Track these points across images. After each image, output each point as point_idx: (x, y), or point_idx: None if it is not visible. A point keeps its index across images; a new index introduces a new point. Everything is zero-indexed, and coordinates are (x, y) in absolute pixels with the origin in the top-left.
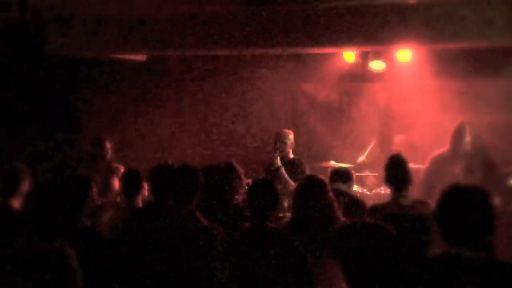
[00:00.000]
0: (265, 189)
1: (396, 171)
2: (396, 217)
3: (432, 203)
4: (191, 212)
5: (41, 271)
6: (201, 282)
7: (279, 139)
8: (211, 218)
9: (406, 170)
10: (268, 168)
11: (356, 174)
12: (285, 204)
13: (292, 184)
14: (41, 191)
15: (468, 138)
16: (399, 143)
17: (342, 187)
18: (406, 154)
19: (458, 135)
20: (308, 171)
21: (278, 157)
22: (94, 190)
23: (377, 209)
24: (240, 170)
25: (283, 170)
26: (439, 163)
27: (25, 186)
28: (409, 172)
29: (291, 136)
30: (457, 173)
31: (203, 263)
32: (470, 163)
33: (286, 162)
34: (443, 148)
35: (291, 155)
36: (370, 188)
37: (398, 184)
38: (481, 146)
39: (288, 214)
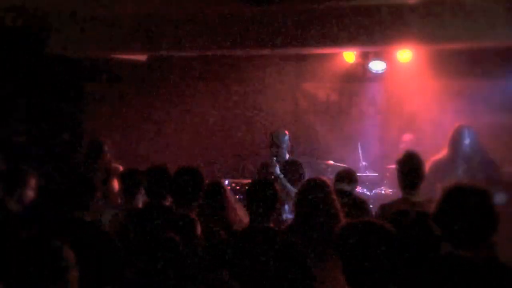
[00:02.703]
0: (264, 189)
1: (410, 167)
2: (404, 213)
3: (432, 207)
4: (184, 213)
5: (36, 271)
6: (199, 282)
7: (274, 144)
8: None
9: (420, 167)
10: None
11: (357, 174)
12: (286, 206)
13: (293, 190)
14: (44, 191)
15: (466, 142)
16: (406, 141)
17: (347, 188)
18: None
19: (456, 139)
20: (305, 169)
21: (277, 166)
22: (98, 191)
23: (386, 206)
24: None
25: (283, 178)
26: (439, 168)
27: (30, 191)
28: (423, 170)
29: (287, 138)
30: (457, 177)
31: (202, 264)
32: (470, 167)
33: (283, 163)
34: (442, 152)
35: (287, 155)
36: (370, 188)
37: (410, 181)
38: (480, 148)
39: (290, 216)
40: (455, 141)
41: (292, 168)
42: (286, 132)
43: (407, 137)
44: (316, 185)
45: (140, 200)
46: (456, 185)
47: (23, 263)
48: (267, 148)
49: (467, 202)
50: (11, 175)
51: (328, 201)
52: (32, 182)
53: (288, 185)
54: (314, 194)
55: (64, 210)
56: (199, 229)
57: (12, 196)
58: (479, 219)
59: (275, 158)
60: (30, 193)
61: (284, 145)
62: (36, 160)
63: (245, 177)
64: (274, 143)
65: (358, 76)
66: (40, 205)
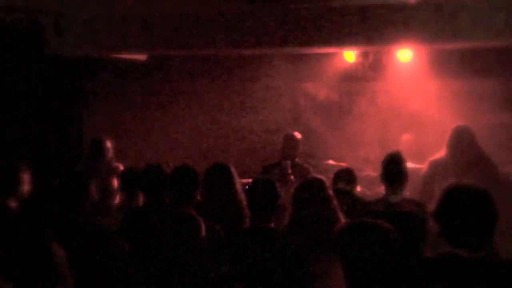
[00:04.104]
0: (266, 189)
1: (391, 168)
2: (378, 214)
3: (431, 207)
4: (188, 212)
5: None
6: (197, 280)
7: (289, 146)
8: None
9: (401, 168)
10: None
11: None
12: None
13: None
14: (41, 190)
15: (465, 142)
16: (406, 141)
17: (346, 187)
18: (411, 154)
19: (454, 139)
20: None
21: (289, 166)
22: (93, 189)
23: (365, 206)
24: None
25: (292, 178)
26: (437, 168)
27: (25, 186)
28: (404, 171)
29: (300, 141)
30: (455, 177)
31: (199, 262)
32: (469, 167)
33: (292, 166)
34: (440, 152)
35: (297, 159)
36: (371, 188)
37: (390, 181)
38: (479, 149)
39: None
40: (454, 142)
41: (300, 173)
42: (299, 135)
43: (406, 137)
44: (313, 184)
45: (140, 199)
46: (455, 184)
47: (16, 259)
48: (270, 144)
49: (467, 202)
50: (4, 173)
51: (325, 200)
52: (26, 176)
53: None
54: (311, 193)
55: (59, 210)
56: (203, 229)
57: (9, 195)
58: (479, 219)
59: (289, 162)
60: (25, 188)
61: (298, 148)
62: (35, 159)
63: (245, 177)
64: (289, 146)
65: (358, 76)
66: (38, 202)
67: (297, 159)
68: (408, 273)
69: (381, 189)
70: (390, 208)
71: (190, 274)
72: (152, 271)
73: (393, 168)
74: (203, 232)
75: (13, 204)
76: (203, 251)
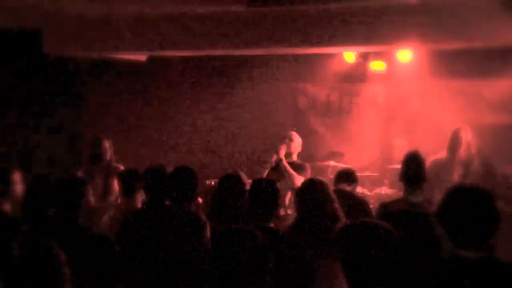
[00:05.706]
0: (266, 189)
1: (411, 169)
2: (401, 213)
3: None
4: (191, 212)
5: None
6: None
7: (288, 139)
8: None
9: (422, 169)
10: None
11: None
12: (286, 201)
13: (295, 176)
14: (38, 192)
15: (464, 144)
16: (398, 146)
17: (347, 188)
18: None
19: (454, 141)
20: (309, 174)
21: (283, 150)
22: (90, 192)
23: (386, 205)
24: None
25: (285, 162)
26: (437, 168)
27: (17, 186)
28: (424, 172)
29: (299, 141)
30: (455, 178)
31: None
32: (468, 169)
33: (289, 165)
34: (441, 152)
35: (295, 158)
36: (370, 188)
37: (411, 182)
38: (478, 151)
39: (289, 212)
40: (453, 143)
41: (296, 170)
42: (298, 137)
43: (398, 142)
44: (315, 185)
45: (139, 200)
46: (459, 185)
47: (17, 262)
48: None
49: (469, 203)
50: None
51: (328, 202)
52: (17, 176)
53: (289, 170)
54: (313, 194)
55: (56, 211)
56: (208, 231)
57: (3, 197)
58: (481, 220)
59: (284, 146)
60: (17, 188)
61: (296, 146)
62: (34, 160)
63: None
64: (287, 140)
65: (358, 76)
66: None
67: (294, 158)
68: (409, 274)
69: (380, 190)
70: (413, 208)
71: (193, 274)
72: (155, 272)
73: (414, 169)
74: (208, 233)
75: (6, 207)
76: (208, 251)
